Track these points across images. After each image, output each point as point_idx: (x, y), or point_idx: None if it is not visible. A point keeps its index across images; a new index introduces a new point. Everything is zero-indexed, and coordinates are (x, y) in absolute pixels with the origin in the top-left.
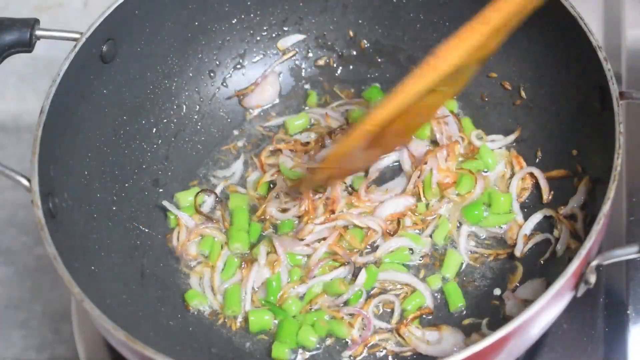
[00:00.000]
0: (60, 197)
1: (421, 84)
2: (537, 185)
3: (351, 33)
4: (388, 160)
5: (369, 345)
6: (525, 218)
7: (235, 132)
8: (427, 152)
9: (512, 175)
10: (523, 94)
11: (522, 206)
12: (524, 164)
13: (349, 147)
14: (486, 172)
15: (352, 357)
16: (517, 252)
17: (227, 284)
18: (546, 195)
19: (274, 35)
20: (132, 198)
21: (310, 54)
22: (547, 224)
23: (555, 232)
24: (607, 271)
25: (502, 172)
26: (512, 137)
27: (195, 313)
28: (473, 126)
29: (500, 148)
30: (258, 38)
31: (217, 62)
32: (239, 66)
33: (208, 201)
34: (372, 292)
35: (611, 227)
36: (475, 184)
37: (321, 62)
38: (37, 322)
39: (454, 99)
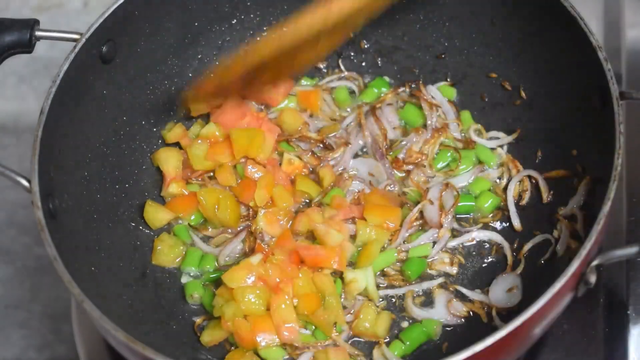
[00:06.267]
0: (60, 198)
1: (313, 24)
2: (537, 187)
3: (351, 33)
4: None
5: None
6: (524, 217)
7: None
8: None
9: (510, 179)
10: (523, 94)
11: (521, 206)
12: (520, 167)
13: (228, 74)
14: (484, 169)
15: None
16: (518, 271)
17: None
18: (546, 196)
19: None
20: (132, 198)
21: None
22: (547, 224)
23: (555, 233)
24: (607, 271)
25: (500, 172)
26: (512, 137)
27: (196, 310)
28: (472, 120)
29: (500, 147)
30: (258, 39)
31: (217, 63)
32: None
33: None
34: None
35: (611, 227)
36: (460, 159)
37: (321, 65)
38: (37, 322)
39: (453, 87)
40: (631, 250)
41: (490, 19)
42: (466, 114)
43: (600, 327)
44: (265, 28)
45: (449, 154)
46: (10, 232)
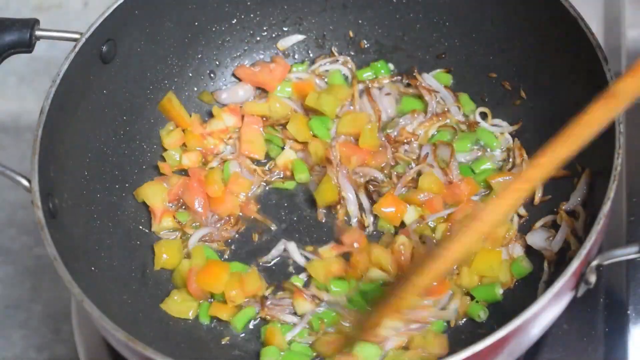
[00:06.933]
0: (60, 198)
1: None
2: None
3: (351, 33)
4: None
5: None
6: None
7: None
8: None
9: (513, 166)
10: (523, 94)
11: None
12: (525, 156)
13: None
14: (486, 152)
15: None
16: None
17: None
18: (538, 197)
19: (273, 35)
20: (132, 198)
21: (311, 54)
22: (550, 222)
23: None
24: (607, 271)
25: (505, 156)
26: (514, 127)
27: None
28: (472, 102)
29: (501, 134)
30: (258, 38)
31: (217, 63)
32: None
33: None
34: None
35: (611, 227)
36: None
37: (311, 53)
38: (37, 322)
39: (449, 74)
40: (631, 250)
41: (490, 19)
42: (465, 97)
43: (600, 327)
44: (265, 28)
45: (448, 134)
46: (10, 232)
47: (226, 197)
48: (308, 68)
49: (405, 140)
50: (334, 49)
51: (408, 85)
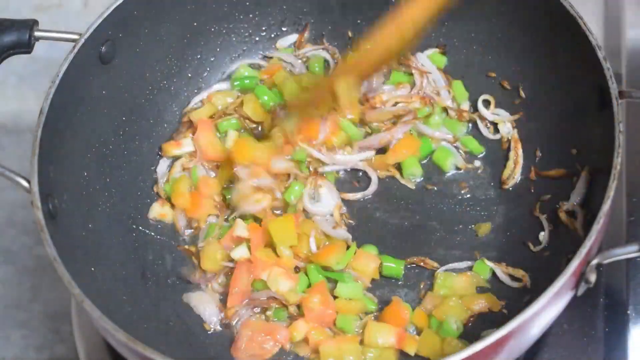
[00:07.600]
0: (60, 198)
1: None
2: (527, 179)
3: (350, 33)
4: None
5: None
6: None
7: None
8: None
9: (508, 158)
10: (522, 93)
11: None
12: (520, 151)
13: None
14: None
15: None
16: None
17: None
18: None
19: (272, 35)
20: (132, 198)
21: (309, 54)
22: (527, 214)
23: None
24: (607, 271)
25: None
26: (514, 117)
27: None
28: (466, 91)
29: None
30: (257, 39)
31: (216, 63)
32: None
33: None
34: None
35: (611, 226)
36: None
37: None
38: (37, 322)
39: (443, 54)
40: (631, 249)
41: (490, 18)
42: (459, 85)
43: (600, 327)
44: (264, 28)
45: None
46: (10, 232)
47: (201, 200)
48: (293, 52)
49: (375, 106)
50: (324, 39)
51: (399, 64)
